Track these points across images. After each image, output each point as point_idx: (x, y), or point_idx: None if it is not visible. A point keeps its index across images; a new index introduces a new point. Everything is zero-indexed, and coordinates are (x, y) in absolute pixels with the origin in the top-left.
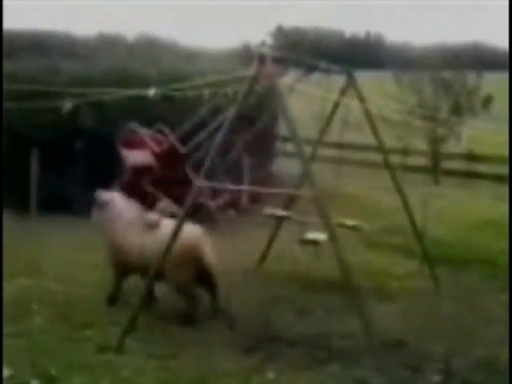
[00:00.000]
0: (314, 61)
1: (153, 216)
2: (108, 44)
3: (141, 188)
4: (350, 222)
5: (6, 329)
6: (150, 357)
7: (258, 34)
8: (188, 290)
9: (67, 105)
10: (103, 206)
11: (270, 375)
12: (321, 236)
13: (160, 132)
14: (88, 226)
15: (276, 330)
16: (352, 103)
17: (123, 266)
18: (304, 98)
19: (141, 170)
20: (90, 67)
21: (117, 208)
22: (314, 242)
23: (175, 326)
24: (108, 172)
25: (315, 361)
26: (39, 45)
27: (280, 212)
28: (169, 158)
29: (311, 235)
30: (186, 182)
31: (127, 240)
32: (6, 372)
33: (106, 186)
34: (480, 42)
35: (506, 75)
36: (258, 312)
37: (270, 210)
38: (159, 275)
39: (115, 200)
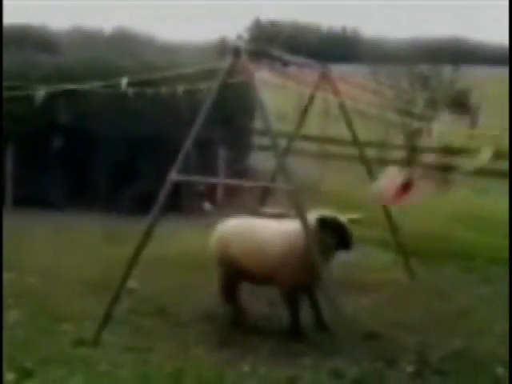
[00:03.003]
0: (290, 55)
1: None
2: (84, 37)
3: None
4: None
5: None
6: (127, 350)
7: (235, 28)
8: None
9: (39, 94)
10: None
11: (246, 368)
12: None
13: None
14: (63, 220)
15: (251, 322)
16: (329, 97)
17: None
18: (280, 92)
19: None
20: (65, 60)
21: None
22: None
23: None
24: (83, 166)
25: (290, 353)
26: (14, 38)
27: (277, 210)
28: None
29: None
30: None
31: None
32: None
33: (81, 179)
34: (457, 36)
35: (485, 69)
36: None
37: (268, 210)
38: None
39: None
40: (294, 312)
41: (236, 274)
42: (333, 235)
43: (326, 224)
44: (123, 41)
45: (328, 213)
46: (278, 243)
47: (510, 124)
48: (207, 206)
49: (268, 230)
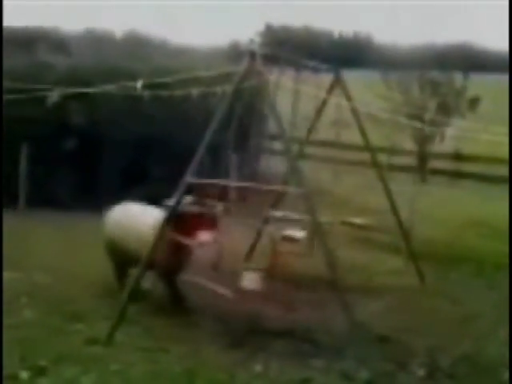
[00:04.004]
0: (303, 59)
1: None
2: (96, 40)
3: None
4: (357, 221)
5: None
6: (139, 350)
7: (247, 32)
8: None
9: (53, 96)
10: None
11: (257, 369)
12: (299, 233)
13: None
14: (75, 221)
15: (263, 324)
16: (340, 102)
17: None
18: (293, 96)
19: None
20: (78, 63)
21: None
22: (293, 239)
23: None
24: (97, 168)
25: (301, 355)
26: (27, 41)
27: (280, 213)
28: None
29: (290, 232)
30: None
31: None
32: None
33: (94, 181)
34: (469, 43)
35: (495, 77)
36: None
37: (277, 213)
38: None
39: None
40: (172, 290)
41: (122, 259)
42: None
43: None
44: (135, 44)
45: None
46: (153, 230)
47: (510, 124)
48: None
49: (145, 218)
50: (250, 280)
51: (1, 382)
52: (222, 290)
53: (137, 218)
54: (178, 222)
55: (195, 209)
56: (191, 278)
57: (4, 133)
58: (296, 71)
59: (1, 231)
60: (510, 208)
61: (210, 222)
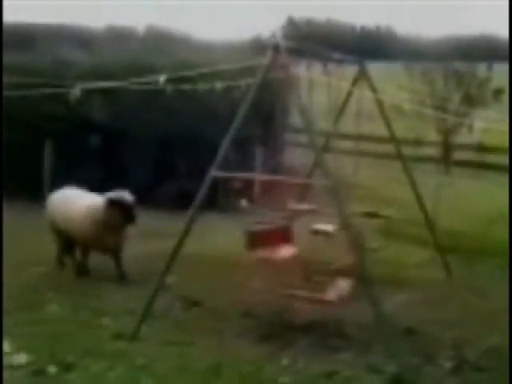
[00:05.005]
0: (327, 51)
1: None
2: (118, 36)
3: None
4: (381, 212)
5: (23, 316)
6: (166, 344)
7: (269, 26)
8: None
9: (75, 92)
10: None
11: (284, 362)
12: (330, 227)
13: None
14: None
15: (289, 317)
16: (364, 94)
17: None
18: (318, 89)
19: None
20: (101, 59)
21: None
22: (326, 233)
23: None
24: (120, 163)
25: (328, 348)
26: (50, 37)
27: (304, 206)
28: None
29: (322, 226)
30: None
31: None
32: (24, 358)
33: (118, 176)
34: (493, 34)
35: None
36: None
37: (294, 206)
38: None
39: None
40: (83, 260)
41: (61, 236)
42: (120, 212)
43: (113, 203)
44: (157, 39)
45: (117, 194)
46: (83, 214)
47: (510, 124)
48: (244, 203)
49: (79, 202)
50: (343, 284)
51: (1, 382)
52: (327, 297)
53: (73, 201)
54: (257, 239)
55: (271, 225)
56: (291, 292)
57: (28, 129)
58: (322, 64)
59: (1, 231)
60: (509, 208)
61: (286, 236)
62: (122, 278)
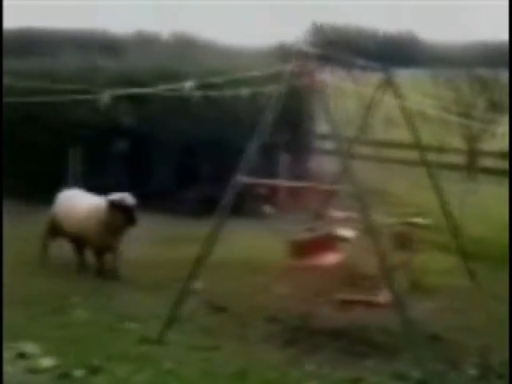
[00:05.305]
0: (353, 58)
1: None
2: (145, 42)
3: None
4: (417, 221)
5: (50, 320)
6: (191, 349)
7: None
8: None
9: (104, 98)
10: None
11: (309, 368)
12: (349, 232)
13: None
14: None
15: (315, 323)
16: (389, 101)
17: None
18: (343, 96)
19: None
20: (129, 65)
21: None
22: (344, 239)
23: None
24: (147, 169)
25: (353, 354)
26: (78, 43)
27: (341, 214)
28: None
29: (342, 231)
30: None
31: None
32: (50, 362)
33: (144, 182)
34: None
35: None
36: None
37: (334, 214)
38: None
39: None
40: (99, 263)
41: (60, 233)
42: (121, 214)
43: (114, 205)
44: (184, 45)
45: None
46: (86, 214)
47: (510, 123)
48: (268, 209)
49: (83, 203)
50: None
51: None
52: (382, 300)
53: (75, 202)
54: (302, 248)
55: (314, 234)
56: (348, 297)
57: (57, 134)
58: (347, 70)
59: (1, 230)
60: (510, 207)
61: (330, 244)
62: (117, 277)
